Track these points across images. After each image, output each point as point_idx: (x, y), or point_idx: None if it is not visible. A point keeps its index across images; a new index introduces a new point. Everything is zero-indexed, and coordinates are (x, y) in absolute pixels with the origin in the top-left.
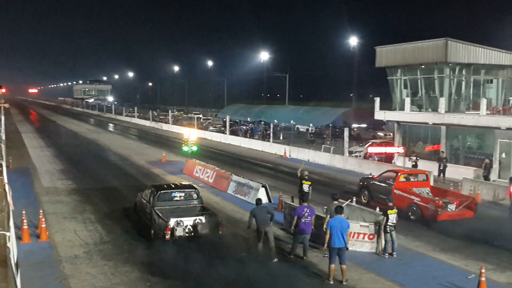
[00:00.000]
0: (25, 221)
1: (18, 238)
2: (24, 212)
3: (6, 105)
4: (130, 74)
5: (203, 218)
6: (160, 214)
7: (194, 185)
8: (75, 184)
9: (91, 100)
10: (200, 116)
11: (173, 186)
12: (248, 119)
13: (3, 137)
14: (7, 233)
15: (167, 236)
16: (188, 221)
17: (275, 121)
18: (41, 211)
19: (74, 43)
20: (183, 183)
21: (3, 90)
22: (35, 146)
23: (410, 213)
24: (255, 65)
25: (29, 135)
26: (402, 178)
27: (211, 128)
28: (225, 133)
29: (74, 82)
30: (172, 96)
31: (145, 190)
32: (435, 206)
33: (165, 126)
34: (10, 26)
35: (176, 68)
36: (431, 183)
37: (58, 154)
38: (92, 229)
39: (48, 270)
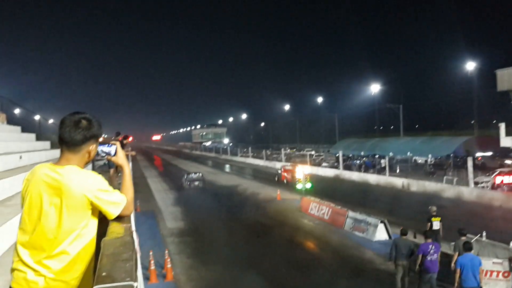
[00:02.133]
0: (152, 262)
1: (146, 278)
2: (151, 253)
3: (133, 153)
4: (243, 116)
5: (202, 181)
6: (187, 180)
7: (200, 172)
8: (196, 224)
9: (208, 143)
10: (313, 152)
11: (193, 172)
12: (362, 153)
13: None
14: (135, 284)
15: (187, 186)
16: (197, 182)
17: (390, 153)
18: (166, 251)
19: (190, 91)
20: (197, 171)
21: (130, 139)
22: (159, 190)
23: (285, 181)
24: (366, 98)
25: (153, 179)
26: (285, 168)
27: (324, 164)
28: (339, 169)
29: (193, 127)
30: (284, 134)
31: (184, 175)
32: (290, 177)
33: (278, 164)
34: (137, 84)
35: (287, 107)
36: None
37: (180, 196)
38: (213, 269)
39: None
